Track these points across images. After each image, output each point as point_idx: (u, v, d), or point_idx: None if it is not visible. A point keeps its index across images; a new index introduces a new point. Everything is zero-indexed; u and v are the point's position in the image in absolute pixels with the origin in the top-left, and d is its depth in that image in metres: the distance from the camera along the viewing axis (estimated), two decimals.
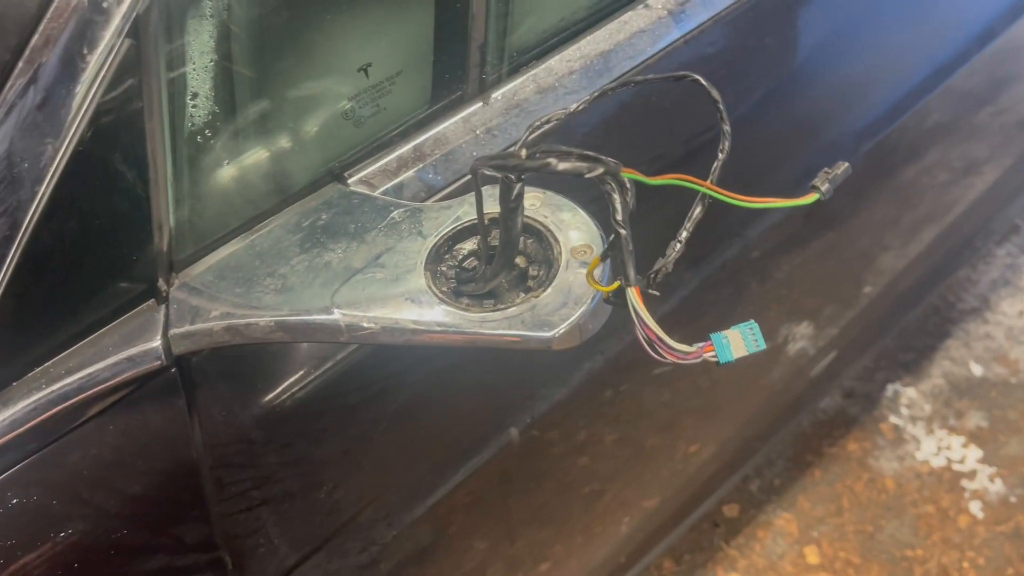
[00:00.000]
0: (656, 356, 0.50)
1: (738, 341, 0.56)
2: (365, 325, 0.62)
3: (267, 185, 0.70)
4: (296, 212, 0.71)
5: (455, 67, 0.75)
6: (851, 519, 2.01)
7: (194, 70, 0.63)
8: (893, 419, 2.15)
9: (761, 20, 0.91)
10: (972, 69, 1.39)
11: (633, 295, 0.50)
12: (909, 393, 2.18)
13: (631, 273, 0.50)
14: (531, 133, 0.56)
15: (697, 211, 0.54)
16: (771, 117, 0.99)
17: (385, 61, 0.73)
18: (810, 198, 0.49)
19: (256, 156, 0.70)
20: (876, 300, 1.67)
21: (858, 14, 1.06)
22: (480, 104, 0.78)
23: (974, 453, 2.07)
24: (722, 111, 0.53)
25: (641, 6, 0.84)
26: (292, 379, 0.71)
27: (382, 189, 0.74)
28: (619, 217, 0.49)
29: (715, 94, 0.54)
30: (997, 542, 1.93)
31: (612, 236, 0.51)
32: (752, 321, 0.56)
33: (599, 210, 0.80)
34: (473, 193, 0.66)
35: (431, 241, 0.66)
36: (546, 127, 0.56)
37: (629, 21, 0.83)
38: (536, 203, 0.67)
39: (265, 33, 0.65)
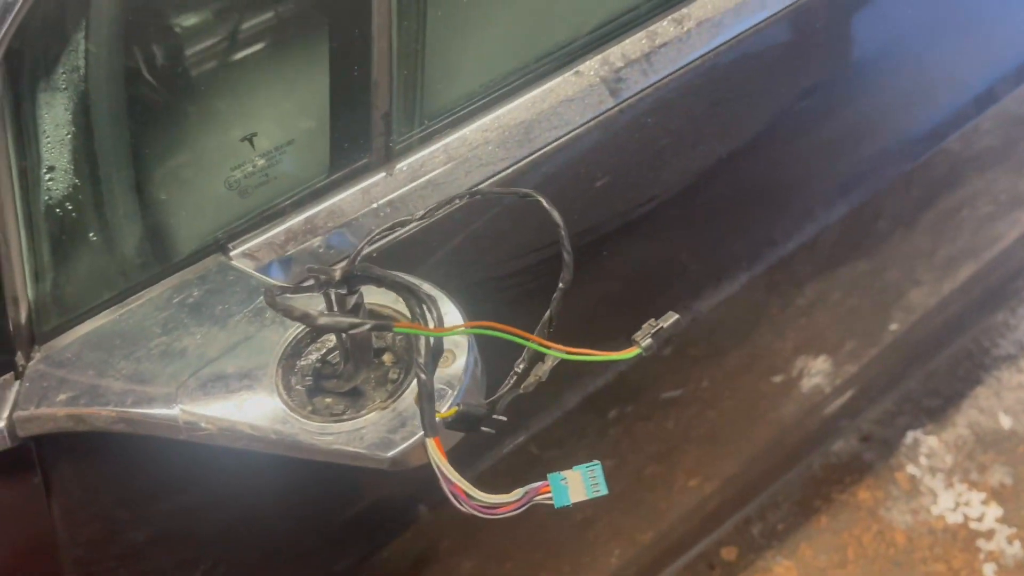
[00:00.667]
0: (462, 508, 0.46)
1: (577, 483, 0.51)
2: (203, 426, 0.59)
3: (140, 256, 0.68)
4: (171, 285, 0.68)
5: (356, 136, 0.71)
6: (855, 572, 1.92)
7: (49, 143, 0.60)
8: (910, 468, 2.04)
9: (715, 81, 0.85)
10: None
11: (432, 448, 0.46)
12: (930, 442, 2.07)
13: (428, 423, 0.46)
14: (368, 241, 0.52)
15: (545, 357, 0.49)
16: (744, 172, 0.93)
17: (273, 130, 0.69)
18: (629, 353, 0.43)
19: (127, 228, 0.67)
20: (902, 338, 1.57)
21: (905, 28, 0.98)
22: (383, 175, 0.73)
23: (994, 511, 1.95)
24: (563, 238, 0.48)
25: (570, 73, 0.79)
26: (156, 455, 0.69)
27: (266, 263, 0.70)
28: (419, 360, 0.45)
29: (556, 217, 0.49)
30: None
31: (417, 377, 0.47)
32: (596, 462, 0.51)
33: (493, 312, 0.76)
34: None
35: (292, 332, 0.62)
36: (388, 235, 0.52)
37: (555, 89, 0.78)
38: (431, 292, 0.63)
39: (129, 103, 0.62)
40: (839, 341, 1.38)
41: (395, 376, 0.61)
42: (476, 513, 0.46)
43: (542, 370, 0.56)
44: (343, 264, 0.48)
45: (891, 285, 1.40)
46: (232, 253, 0.70)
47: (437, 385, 0.58)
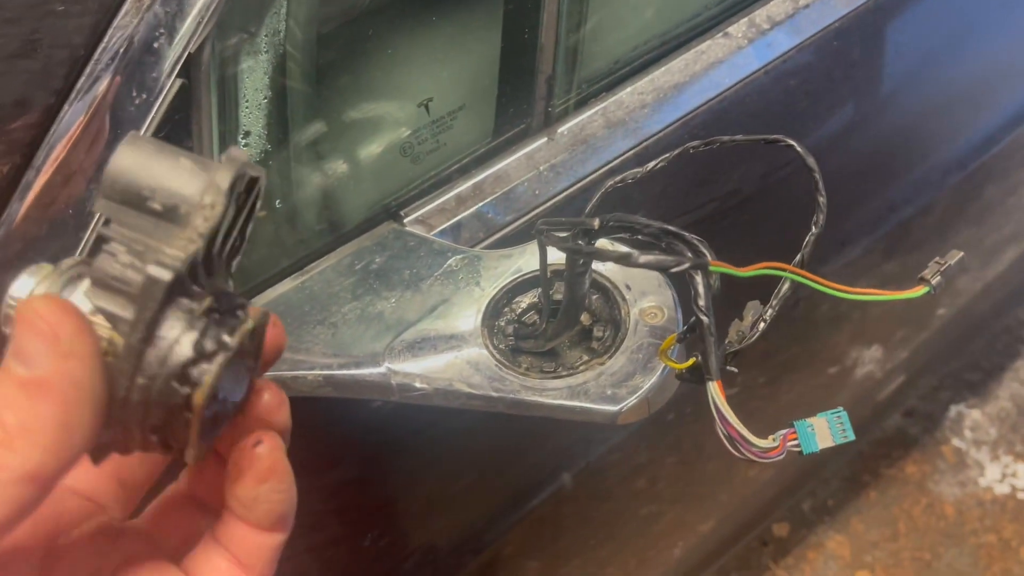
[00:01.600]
0: (736, 453, 0.46)
1: (824, 430, 0.52)
2: (417, 385, 0.58)
3: (319, 224, 0.67)
4: (350, 253, 0.68)
5: (520, 101, 0.71)
6: (907, 545, 1.94)
7: (247, 108, 0.59)
8: (956, 442, 2.06)
9: (850, 43, 0.85)
10: None
11: (715, 390, 0.46)
12: (974, 415, 2.09)
13: (713, 366, 0.46)
14: (603, 195, 0.52)
15: (785, 287, 0.49)
16: (868, 138, 0.93)
17: (447, 95, 0.69)
18: (919, 291, 0.44)
19: (307, 194, 0.66)
20: (950, 323, 1.60)
21: (962, 27, 0.99)
22: (545, 139, 0.73)
23: None
24: (818, 180, 0.49)
25: (720, 35, 0.79)
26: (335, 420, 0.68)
27: (439, 229, 0.70)
28: (701, 303, 0.45)
29: (810, 162, 0.49)
30: None
31: (693, 319, 0.47)
32: (840, 408, 0.52)
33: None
34: (535, 242, 0.62)
35: (489, 293, 0.62)
36: (620, 186, 0.52)
37: (706, 51, 0.78)
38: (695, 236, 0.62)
39: (321, 69, 0.61)
40: (891, 329, 1.41)
41: (600, 334, 0.61)
42: (752, 458, 0.46)
43: (772, 314, 0.55)
44: (589, 218, 0.48)
45: None
46: (406, 220, 0.70)
47: (652, 340, 0.58)
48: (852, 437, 0.51)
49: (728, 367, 0.53)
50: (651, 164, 0.52)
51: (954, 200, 1.10)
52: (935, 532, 1.95)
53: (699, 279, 0.44)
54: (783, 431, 0.51)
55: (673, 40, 0.78)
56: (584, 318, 0.62)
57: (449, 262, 0.64)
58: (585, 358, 0.60)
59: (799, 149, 0.49)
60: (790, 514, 2.00)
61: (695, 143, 0.52)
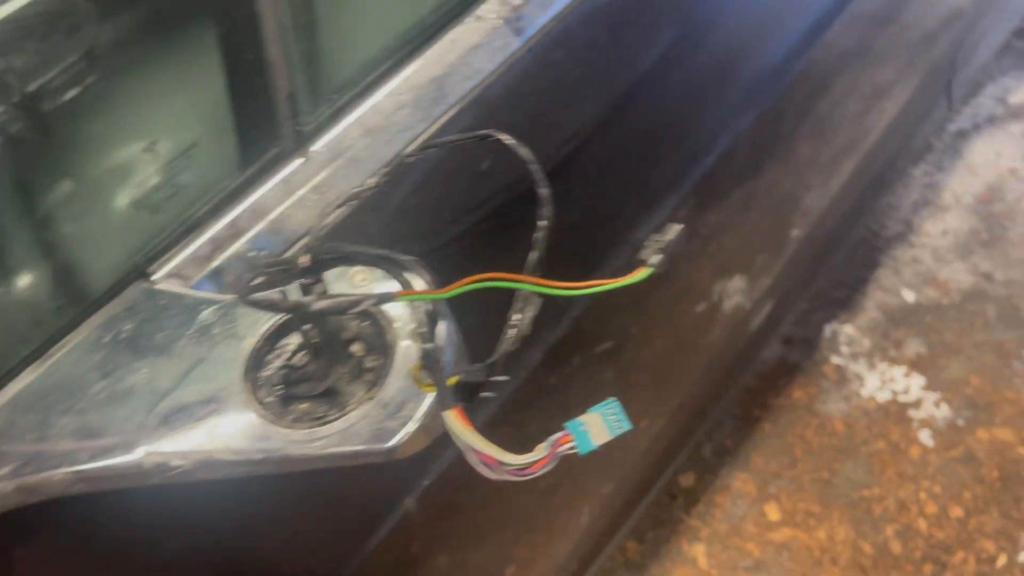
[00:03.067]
0: (495, 476, 0.43)
1: (598, 425, 0.49)
2: (174, 464, 0.53)
3: (56, 300, 0.61)
4: (98, 325, 0.61)
5: (263, 125, 0.66)
6: (806, 468, 1.99)
7: None
8: (835, 359, 2.12)
9: (615, 4, 0.83)
10: None
11: (452, 419, 0.42)
12: (847, 330, 2.16)
13: (445, 397, 0.42)
14: (322, 221, 0.47)
15: (526, 307, 0.46)
16: (660, 88, 0.91)
17: (174, 134, 0.63)
18: (641, 273, 0.41)
19: (35, 270, 0.60)
20: (806, 242, 1.63)
21: None
22: (300, 160, 0.68)
23: (917, 381, 2.06)
24: (535, 171, 0.45)
25: (471, 19, 0.75)
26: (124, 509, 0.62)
27: (197, 279, 0.64)
28: (421, 331, 0.41)
29: (523, 153, 0.45)
30: (950, 468, 1.93)
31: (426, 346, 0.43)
32: (612, 399, 0.49)
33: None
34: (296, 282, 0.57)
35: (249, 343, 0.57)
36: (341, 209, 0.48)
37: (459, 38, 0.74)
38: (365, 278, 0.58)
39: (28, 130, 0.54)
40: (749, 258, 1.41)
41: (372, 364, 0.57)
42: (510, 478, 0.43)
43: (523, 323, 0.53)
44: (298, 252, 0.44)
45: (786, 195, 1.44)
46: (155, 276, 0.63)
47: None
48: (628, 426, 0.48)
49: (494, 378, 0.50)
50: (371, 180, 0.48)
51: (761, 133, 1.10)
52: (830, 450, 2.00)
53: (420, 310, 0.41)
54: (556, 435, 0.48)
55: (423, 32, 0.73)
56: (357, 348, 0.58)
57: (202, 316, 0.58)
58: (360, 393, 0.56)
59: (508, 142, 0.46)
60: (693, 463, 2.03)
61: (408, 151, 0.49)
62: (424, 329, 0.41)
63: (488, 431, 0.87)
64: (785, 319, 2.02)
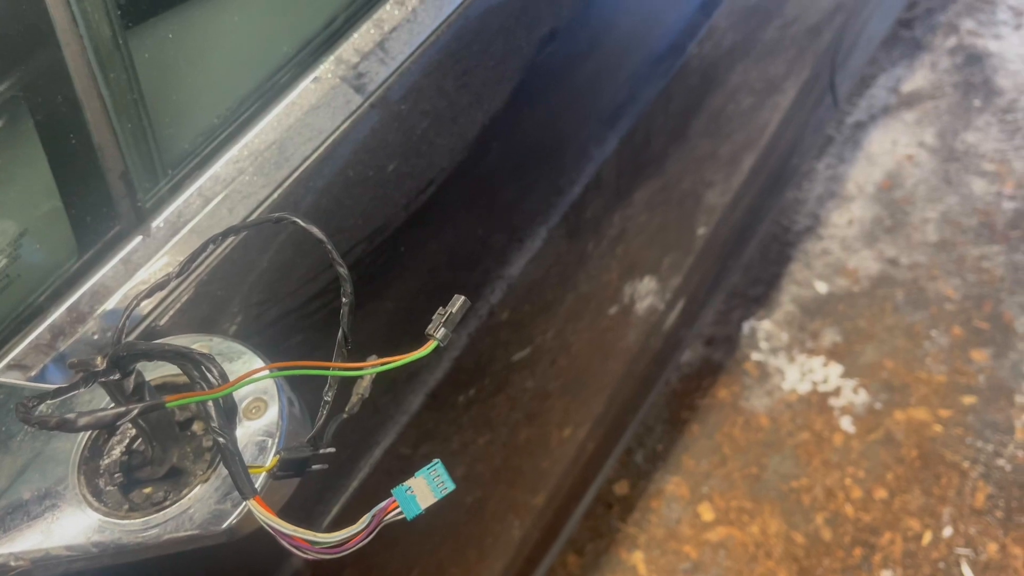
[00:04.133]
0: (309, 557, 0.44)
1: (423, 488, 0.50)
2: (12, 564, 0.53)
3: None
4: None
5: (97, 206, 0.66)
6: (736, 466, 2.02)
7: None
8: (755, 356, 2.17)
9: (452, 52, 0.84)
10: None
11: (256, 508, 0.43)
12: (765, 326, 2.21)
13: (241, 485, 0.43)
14: (128, 315, 0.48)
15: (333, 385, 0.47)
16: (514, 130, 0.93)
17: (0, 225, 0.62)
18: (429, 347, 0.42)
19: None
20: (712, 239, 1.65)
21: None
22: (140, 238, 0.68)
23: (835, 370, 2.11)
24: (331, 251, 0.46)
25: (309, 81, 0.76)
26: None
27: (39, 368, 0.64)
28: (212, 424, 0.42)
29: (317, 233, 0.46)
30: (872, 451, 1.98)
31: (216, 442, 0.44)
32: (436, 460, 0.50)
33: (307, 342, 0.72)
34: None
35: (84, 435, 0.57)
36: (147, 298, 0.48)
37: (297, 101, 0.75)
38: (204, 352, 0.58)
39: None
40: (657, 259, 1.43)
41: (209, 443, 0.57)
42: (324, 556, 0.44)
43: (362, 387, 0.54)
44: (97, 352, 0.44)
45: (687, 194, 1.46)
46: None
47: (256, 438, 0.55)
48: (452, 486, 0.50)
49: (320, 451, 0.51)
50: (176, 269, 0.49)
51: (677, 114, 1.11)
52: (757, 445, 2.04)
53: (209, 404, 0.42)
54: (382, 504, 0.49)
55: (259, 99, 0.74)
56: (197, 427, 0.58)
57: (39, 409, 0.58)
58: (201, 471, 0.56)
59: (301, 224, 0.47)
60: (626, 470, 2.06)
61: (215, 236, 0.49)
62: (214, 423, 0.42)
63: (374, 477, 0.87)
64: (703, 319, 2.06)
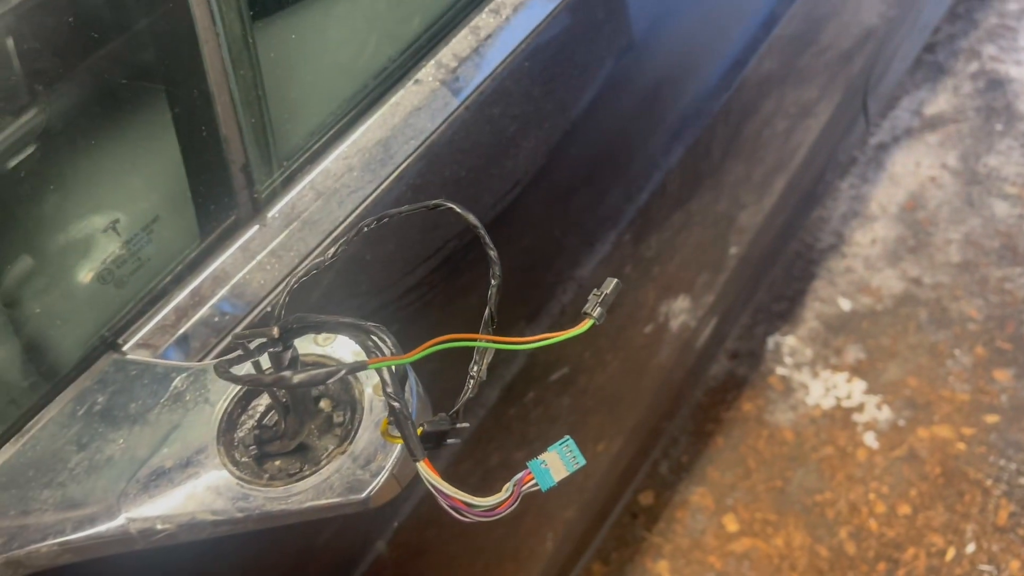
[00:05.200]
0: (466, 519, 0.47)
1: (556, 462, 0.53)
2: (159, 528, 0.56)
3: (27, 378, 0.63)
4: (71, 399, 0.64)
5: (220, 196, 0.69)
6: (760, 478, 2.05)
7: None
8: (780, 370, 2.20)
9: (540, 61, 0.88)
10: (793, 14, 1.41)
11: (424, 469, 0.46)
12: (789, 342, 2.24)
13: (415, 449, 0.46)
14: (288, 292, 0.51)
15: (483, 359, 0.50)
16: (590, 138, 0.96)
17: (135, 212, 0.66)
18: (585, 325, 0.45)
19: (4, 351, 0.62)
20: (744, 259, 1.69)
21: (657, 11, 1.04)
22: (257, 227, 0.72)
23: (859, 386, 2.14)
24: (483, 236, 0.50)
25: (411, 83, 0.79)
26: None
27: (164, 348, 0.67)
28: (389, 390, 0.45)
29: (471, 219, 0.50)
30: (895, 467, 2.01)
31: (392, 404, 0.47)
32: (567, 437, 0.53)
33: (402, 333, 0.75)
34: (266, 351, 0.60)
35: (221, 407, 0.60)
36: (305, 279, 0.52)
37: (401, 101, 0.78)
38: (328, 339, 0.62)
39: None
40: (692, 278, 1.47)
41: (340, 419, 0.60)
42: (479, 519, 0.47)
43: (479, 371, 0.57)
44: (269, 329, 0.47)
45: (723, 215, 1.51)
46: (125, 347, 0.66)
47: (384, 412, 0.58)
48: (583, 461, 0.53)
49: (457, 425, 0.54)
50: (331, 250, 0.52)
51: (693, 162, 1.16)
52: (781, 459, 2.07)
53: (385, 371, 0.45)
54: (520, 474, 0.52)
55: (365, 99, 0.78)
56: (324, 404, 0.61)
57: (174, 384, 0.61)
58: (331, 447, 0.59)
59: (458, 210, 0.50)
60: (651, 480, 2.08)
61: (368, 220, 0.52)
62: (390, 388, 0.45)
63: (452, 468, 0.90)
64: (730, 334, 2.09)
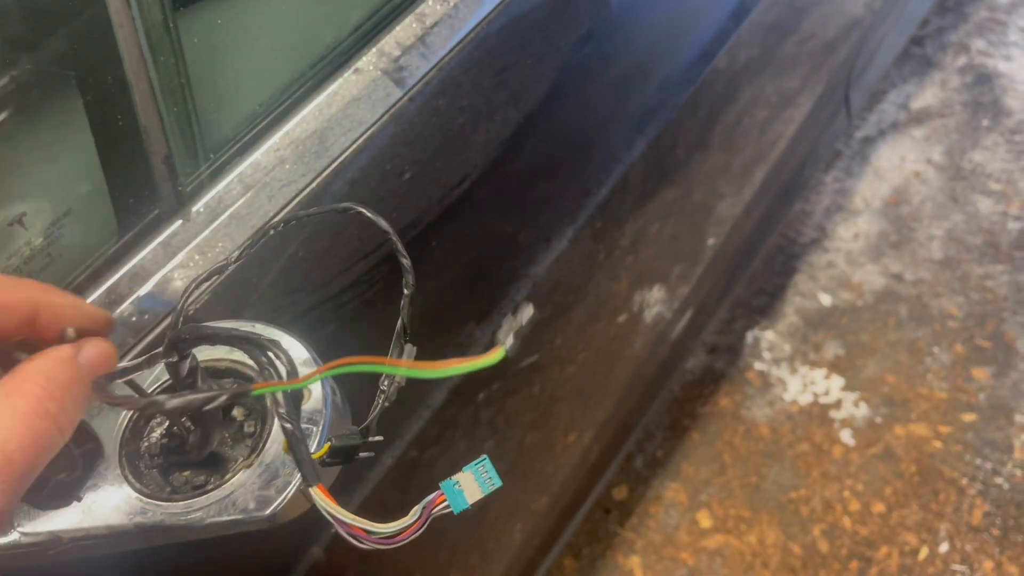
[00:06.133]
0: (364, 546, 0.44)
1: (471, 483, 0.50)
2: (52, 542, 0.52)
3: None
4: None
5: (140, 189, 0.66)
6: (735, 475, 2.03)
7: None
8: (758, 365, 2.18)
9: (491, 50, 0.84)
10: (772, 0, 1.37)
11: (318, 495, 0.43)
12: (768, 336, 2.21)
13: (308, 475, 0.43)
14: (185, 300, 0.48)
15: (385, 379, 0.47)
16: (546, 130, 0.93)
17: (42, 205, 0.62)
18: (497, 353, 0.42)
19: None
20: (721, 250, 1.66)
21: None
22: (180, 222, 0.68)
23: (836, 383, 2.12)
24: (396, 243, 0.46)
25: (350, 72, 0.76)
26: None
27: None
28: (281, 411, 0.42)
29: (384, 225, 0.46)
30: (871, 465, 1.99)
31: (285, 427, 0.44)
32: (483, 457, 0.50)
33: (338, 332, 0.72)
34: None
35: (124, 416, 0.57)
36: (205, 285, 0.48)
37: (339, 91, 0.75)
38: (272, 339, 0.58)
39: None
40: (667, 268, 1.43)
41: (251, 429, 0.57)
42: (379, 547, 0.44)
43: (390, 388, 0.54)
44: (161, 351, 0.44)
45: (700, 205, 1.47)
46: None
47: (305, 424, 0.55)
48: (499, 482, 0.50)
49: (370, 439, 0.51)
50: (235, 254, 0.49)
51: (658, 154, 1.12)
52: (757, 455, 2.05)
53: (278, 394, 0.42)
54: (430, 496, 0.49)
55: (301, 88, 0.74)
56: (237, 412, 0.58)
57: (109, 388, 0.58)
58: (240, 459, 0.56)
59: (368, 215, 0.47)
60: (625, 475, 2.06)
61: (275, 223, 0.49)
62: (283, 410, 0.42)
63: (419, 455, 0.87)
64: (707, 328, 2.06)
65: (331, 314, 0.75)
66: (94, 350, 0.48)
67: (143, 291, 0.66)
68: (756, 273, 2.30)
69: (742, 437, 2.10)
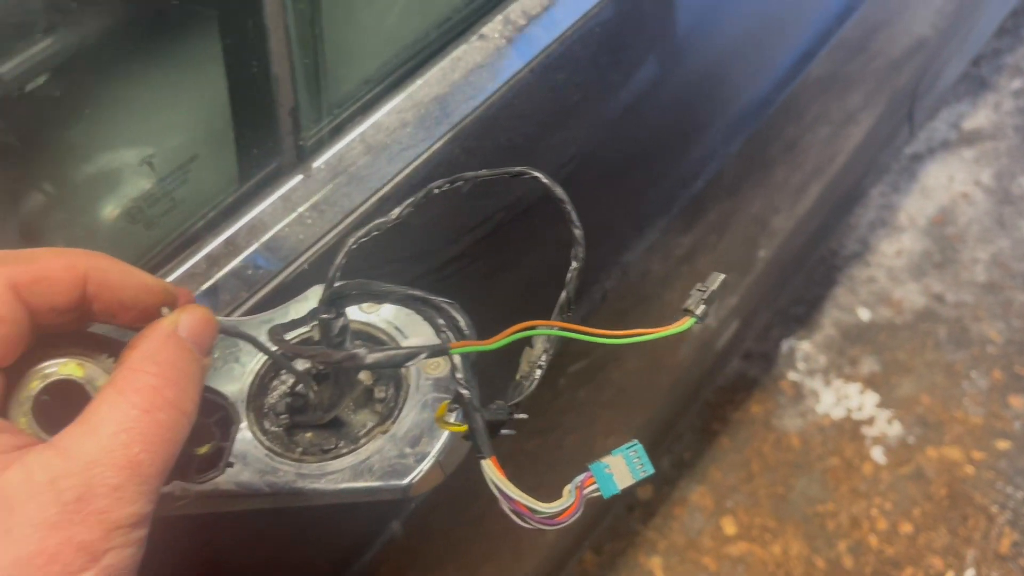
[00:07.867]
0: (526, 525, 0.42)
1: (621, 468, 0.48)
2: (177, 495, 0.50)
3: None
4: None
5: (264, 139, 0.63)
6: (762, 483, 2.01)
7: None
8: (792, 375, 2.15)
9: (611, 28, 0.82)
10: (859, 18, 1.36)
11: (490, 467, 0.41)
12: (804, 347, 2.19)
13: (483, 444, 0.41)
14: (347, 254, 0.46)
15: (551, 348, 0.45)
16: (650, 118, 0.91)
17: (173, 148, 0.60)
18: (685, 323, 0.40)
19: None
20: (771, 262, 1.65)
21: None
22: (300, 177, 0.66)
23: (871, 399, 2.10)
24: (569, 212, 0.44)
25: (475, 38, 0.73)
26: None
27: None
28: (459, 376, 0.40)
29: (558, 192, 0.44)
30: (901, 485, 1.97)
31: (457, 391, 0.42)
32: (635, 441, 0.48)
33: (453, 294, 0.70)
34: (297, 299, 0.55)
35: (252, 368, 0.55)
36: (365, 240, 0.46)
37: (463, 57, 0.72)
38: (372, 304, 0.56)
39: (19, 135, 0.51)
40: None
41: (381, 394, 0.55)
42: (540, 526, 0.42)
43: (536, 357, 0.52)
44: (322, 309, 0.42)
45: (756, 218, 1.46)
46: None
47: (432, 394, 0.53)
48: (651, 470, 0.48)
49: (515, 416, 0.49)
50: (396, 211, 0.47)
51: (745, 158, 1.11)
52: (785, 465, 2.03)
53: (456, 357, 0.40)
54: (580, 477, 0.47)
55: (425, 49, 0.72)
56: (364, 376, 0.56)
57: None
58: (370, 424, 0.54)
59: (545, 180, 0.45)
60: (651, 476, 2.04)
61: (439, 183, 0.47)
62: (461, 375, 0.40)
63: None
64: (747, 335, 2.05)
65: (436, 285, 0.73)
66: (192, 318, 0.44)
67: (259, 244, 0.64)
68: (797, 283, 2.28)
69: (772, 446, 2.08)
